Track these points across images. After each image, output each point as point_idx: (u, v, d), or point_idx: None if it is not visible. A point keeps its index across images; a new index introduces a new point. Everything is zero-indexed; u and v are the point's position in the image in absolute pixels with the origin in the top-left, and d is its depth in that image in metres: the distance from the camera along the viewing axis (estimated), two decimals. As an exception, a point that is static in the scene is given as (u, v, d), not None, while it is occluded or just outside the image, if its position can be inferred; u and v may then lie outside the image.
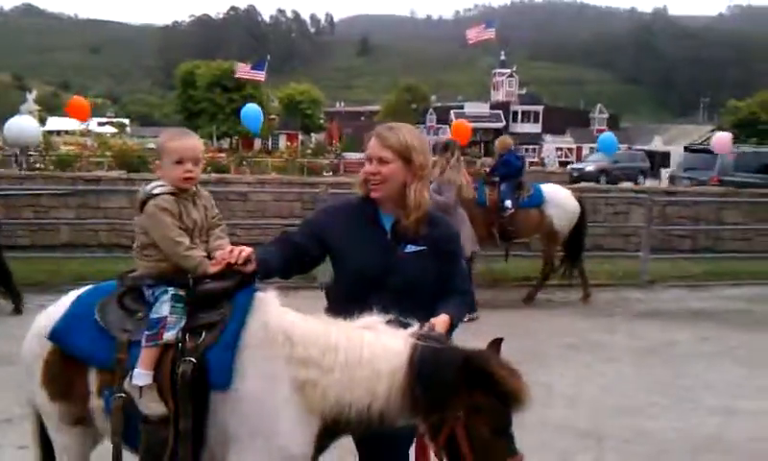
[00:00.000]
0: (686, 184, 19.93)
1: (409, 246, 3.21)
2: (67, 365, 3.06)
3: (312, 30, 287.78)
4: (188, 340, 2.91)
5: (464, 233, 8.54)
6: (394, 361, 2.75)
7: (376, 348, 2.79)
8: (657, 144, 69.28)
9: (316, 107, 73.46)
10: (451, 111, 73.08)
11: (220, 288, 2.97)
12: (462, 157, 9.39)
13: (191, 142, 3.19)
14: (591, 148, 53.31)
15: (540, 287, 10.66)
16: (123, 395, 2.92)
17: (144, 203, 3.08)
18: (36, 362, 3.14)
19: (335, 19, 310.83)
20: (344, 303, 3.09)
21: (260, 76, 33.77)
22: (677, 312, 10.38)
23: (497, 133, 73.30)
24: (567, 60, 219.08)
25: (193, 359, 2.85)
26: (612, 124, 76.72)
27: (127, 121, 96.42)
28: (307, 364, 2.81)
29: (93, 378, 3.02)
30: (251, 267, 2.95)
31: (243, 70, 34.89)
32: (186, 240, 3.05)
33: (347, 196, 3.61)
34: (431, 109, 75.39)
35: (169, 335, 2.91)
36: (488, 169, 11.09)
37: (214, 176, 16.45)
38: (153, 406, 2.88)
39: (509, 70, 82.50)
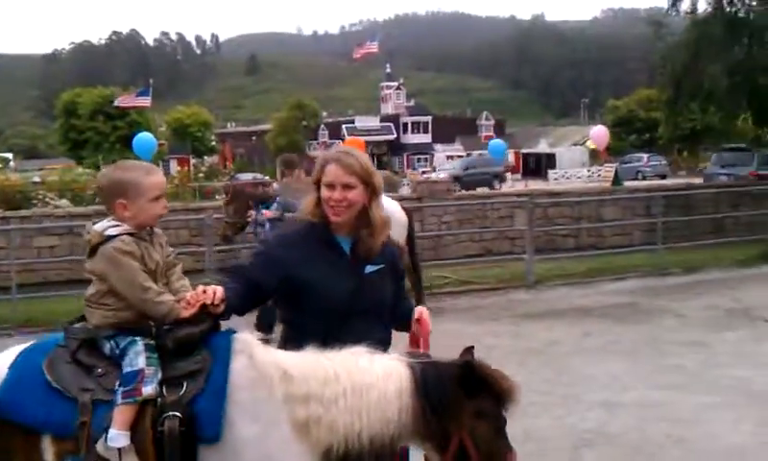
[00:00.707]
0: (724, 180, 20.81)
1: (368, 266, 3.20)
2: (9, 439, 2.70)
3: (198, 51, 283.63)
4: (167, 393, 2.66)
5: None
6: (397, 383, 2.70)
7: (376, 371, 2.73)
8: (542, 147, 71.60)
9: (206, 129, 72.35)
10: (343, 126, 73.38)
11: (197, 333, 2.76)
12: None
13: (162, 177, 3.00)
14: (481, 154, 54.43)
15: None
16: None
17: (97, 246, 2.79)
18: None
19: (221, 39, 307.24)
20: (309, 334, 2.93)
21: (146, 102, 33.10)
22: (561, 310, 10.66)
23: (390, 145, 74.28)
24: (453, 70, 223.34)
25: (178, 413, 2.61)
26: (499, 130, 78.66)
27: (10, 155, 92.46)
28: (308, 400, 2.66)
29: (48, 447, 2.67)
30: (222, 307, 2.78)
31: (126, 99, 34.12)
32: (154, 285, 2.79)
33: (291, 225, 3.47)
34: (322, 125, 75.40)
35: (148, 389, 2.64)
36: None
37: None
38: None
39: (396, 83, 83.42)
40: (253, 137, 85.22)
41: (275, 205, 8.71)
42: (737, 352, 8.04)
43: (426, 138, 75.05)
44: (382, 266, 3.24)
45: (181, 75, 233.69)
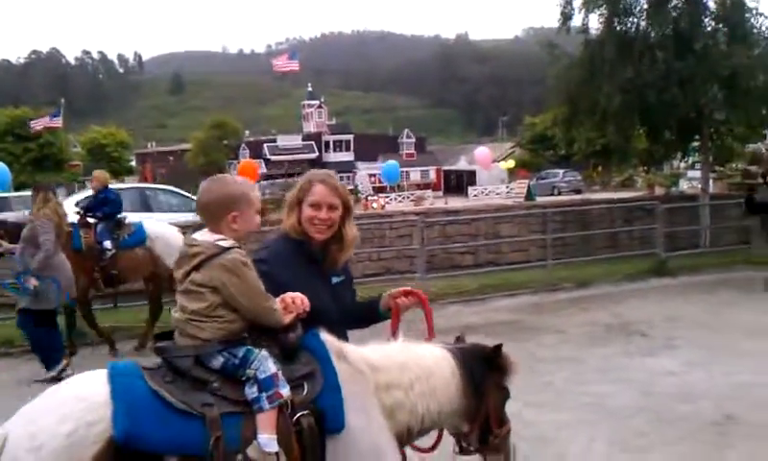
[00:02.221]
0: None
1: (334, 278, 3.43)
2: None
3: (120, 70, 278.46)
4: (293, 394, 2.79)
5: (63, 280, 8.29)
6: (449, 366, 3.15)
7: (430, 358, 3.14)
8: (463, 164, 72.26)
9: (124, 149, 70.81)
10: (264, 145, 72.83)
11: (298, 338, 2.94)
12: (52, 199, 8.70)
13: None
14: (407, 172, 54.76)
15: (151, 331, 9.59)
16: None
17: (210, 258, 2.79)
18: None
19: (145, 58, 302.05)
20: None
21: (57, 123, 32.49)
22: (449, 329, 10.56)
23: (311, 163, 73.95)
24: (379, 88, 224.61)
25: (308, 411, 2.78)
26: (420, 147, 79.23)
27: None
28: (390, 388, 2.98)
29: None
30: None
31: (40, 122, 33.35)
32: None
33: (269, 239, 3.51)
34: (243, 144, 74.64)
35: (285, 391, 2.76)
36: (81, 211, 10.27)
37: None
38: None
39: (318, 101, 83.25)
40: (171, 157, 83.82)
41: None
42: (605, 368, 8.11)
43: (349, 157, 75.02)
44: (344, 278, 3.49)
45: (104, 94, 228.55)
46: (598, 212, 17.37)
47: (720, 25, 16.90)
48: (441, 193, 63.03)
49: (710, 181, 19.51)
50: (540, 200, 26.17)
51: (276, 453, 2.67)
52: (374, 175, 65.64)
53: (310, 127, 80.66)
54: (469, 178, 65.18)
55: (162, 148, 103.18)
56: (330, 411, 2.80)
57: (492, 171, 57.36)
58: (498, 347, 3.28)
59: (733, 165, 22.63)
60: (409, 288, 3.67)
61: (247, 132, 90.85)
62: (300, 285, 3.08)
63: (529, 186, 32.54)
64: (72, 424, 2.52)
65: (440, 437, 3.40)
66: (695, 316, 10.71)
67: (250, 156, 67.81)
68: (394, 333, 3.48)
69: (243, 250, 2.87)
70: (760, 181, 13.55)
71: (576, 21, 17.81)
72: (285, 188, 29.20)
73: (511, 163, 53.14)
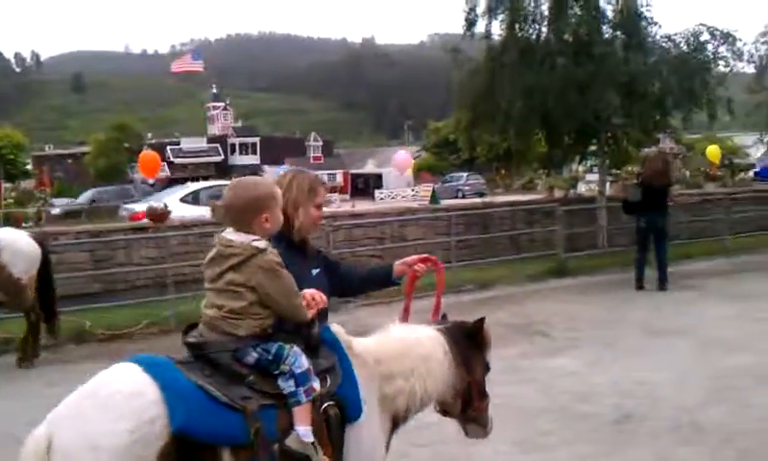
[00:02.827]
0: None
1: (314, 270, 3.60)
2: (192, 458, 2.68)
3: (17, 69, 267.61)
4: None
5: None
6: (442, 347, 3.40)
7: (426, 341, 3.39)
8: (370, 167, 72.53)
9: (20, 151, 67.94)
10: (167, 148, 71.23)
11: (319, 333, 3.13)
12: None
13: None
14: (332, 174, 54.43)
15: (33, 345, 9.19)
16: None
17: (247, 259, 2.89)
18: None
19: (44, 57, 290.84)
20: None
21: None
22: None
23: (216, 167, 72.80)
24: (286, 91, 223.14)
25: (333, 402, 2.99)
26: (327, 150, 79.12)
27: None
28: (391, 378, 3.22)
29: (228, 460, 2.74)
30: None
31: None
32: None
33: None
34: (146, 147, 72.75)
35: (317, 385, 2.94)
36: None
37: None
38: (324, 458, 2.89)
39: (223, 103, 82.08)
40: (69, 160, 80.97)
41: None
42: (508, 369, 8.14)
43: (255, 160, 74.21)
44: (320, 268, 3.65)
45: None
46: (500, 215, 17.62)
47: (617, 33, 17.41)
48: (348, 196, 63.03)
49: (607, 184, 20.04)
50: (444, 203, 26.40)
51: (313, 443, 2.86)
52: (281, 178, 65.13)
53: (215, 129, 79.58)
54: (376, 181, 65.47)
55: (61, 150, 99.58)
56: (350, 401, 3.04)
57: (398, 174, 57.67)
58: (481, 320, 3.62)
59: (629, 168, 23.33)
60: (426, 255, 4.04)
61: (149, 134, 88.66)
62: (298, 282, 3.10)
63: (434, 190, 32.74)
64: (132, 421, 2.57)
65: None
66: (594, 315, 10.95)
67: (152, 158, 66.23)
68: (408, 297, 4.00)
69: (275, 249, 2.98)
70: (635, 181, 13.95)
71: (480, 27, 18.04)
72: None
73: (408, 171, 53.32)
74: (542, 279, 14.21)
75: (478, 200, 29.60)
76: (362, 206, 34.41)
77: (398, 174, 20.85)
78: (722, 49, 17.42)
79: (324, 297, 3.18)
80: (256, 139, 77.90)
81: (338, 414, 2.99)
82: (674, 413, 6.40)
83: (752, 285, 12.64)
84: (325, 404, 2.97)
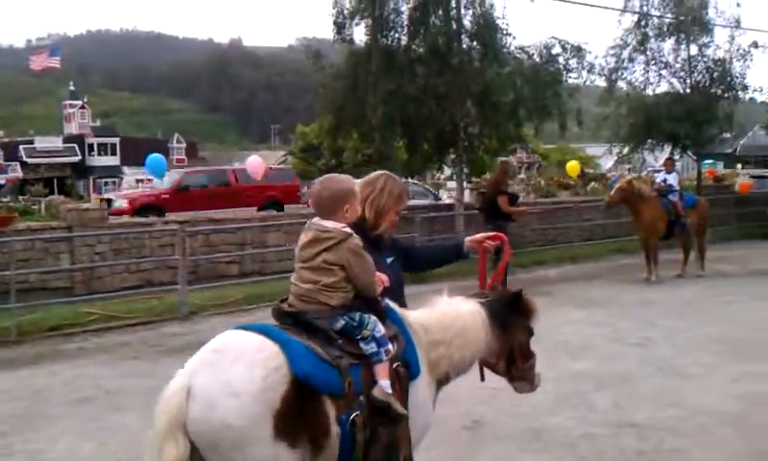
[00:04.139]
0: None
1: (388, 258, 4.14)
2: (311, 402, 3.15)
3: None
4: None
5: None
6: (480, 318, 3.87)
7: (465, 313, 3.86)
8: (235, 171, 71.35)
9: None
10: (20, 147, 67.65)
11: (386, 306, 3.65)
12: None
13: None
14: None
15: None
16: (358, 413, 3.27)
17: (339, 242, 3.39)
18: (260, 418, 3.00)
19: None
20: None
21: None
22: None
23: (74, 167, 69.75)
24: (150, 90, 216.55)
25: (399, 363, 3.49)
26: (191, 152, 77.35)
27: None
28: (437, 344, 3.73)
29: (330, 406, 3.20)
30: None
31: None
32: None
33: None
34: (-7, 146, 68.80)
35: (391, 347, 3.45)
36: None
37: None
38: (400, 407, 3.38)
39: (80, 101, 78.65)
40: None
41: None
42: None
43: (114, 161, 71.45)
44: (394, 257, 4.20)
45: None
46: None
47: (474, 43, 17.83)
48: (212, 200, 61.73)
49: (466, 192, 20.49)
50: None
51: (391, 393, 3.35)
52: (141, 180, 63.28)
53: (72, 128, 76.00)
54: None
55: None
56: (412, 363, 3.58)
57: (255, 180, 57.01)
58: (518, 293, 4.11)
59: (487, 176, 23.97)
60: (493, 233, 4.55)
61: (1, 132, 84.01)
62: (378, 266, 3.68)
63: (301, 195, 32.59)
64: (263, 370, 3.05)
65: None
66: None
67: (4, 158, 62.87)
68: (481, 268, 4.48)
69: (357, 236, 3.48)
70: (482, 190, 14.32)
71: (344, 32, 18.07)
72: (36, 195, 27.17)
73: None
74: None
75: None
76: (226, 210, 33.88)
77: (254, 179, 20.67)
78: (573, 62, 18.18)
79: (386, 278, 3.67)
80: (116, 140, 74.92)
81: (405, 372, 3.51)
82: (521, 419, 6.54)
83: (597, 292, 13.22)
84: (395, 364, 3.47)
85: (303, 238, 3.51)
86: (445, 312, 3.87)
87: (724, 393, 7.22)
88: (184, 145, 77.80)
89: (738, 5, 30.66)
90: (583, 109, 18.78)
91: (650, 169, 30.90)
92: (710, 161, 47.52)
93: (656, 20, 25.25)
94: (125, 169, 69.11)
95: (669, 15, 24.70)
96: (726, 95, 25.33)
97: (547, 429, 6.33)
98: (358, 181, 4.04)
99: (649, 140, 26.03)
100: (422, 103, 16.34)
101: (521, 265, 16.09)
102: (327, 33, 18.25)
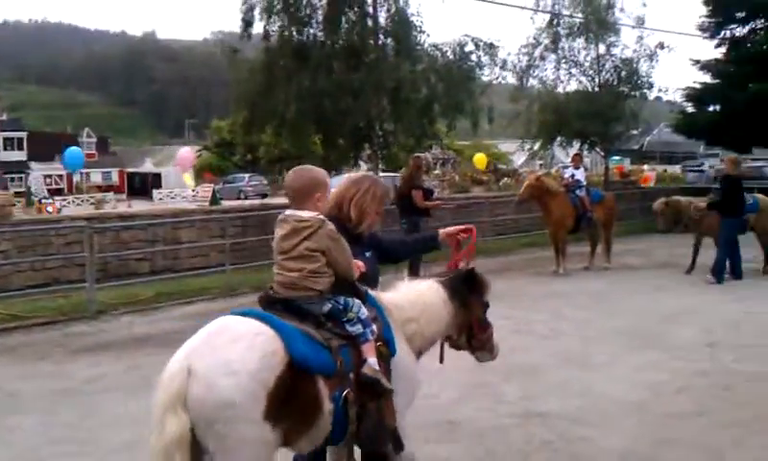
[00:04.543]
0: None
1: (366, 253, 4.31)
2: (306, 381, 3.36)
3: None
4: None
5: None
6: (441, 295, 4.20)
7: (428, 291, 4.20)
8: (148, 166, 70.01)
9: None
10: None
11: (365, 291, 3.88)
12: None
13: None
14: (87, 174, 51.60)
15: None
16: (350, 390, 3.52)
17: (317, 229, 3.58)
18: (254, 396, 3.16)
19: None
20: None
21: None
22: (118, 342, 10.05)
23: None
24: (60, 83, 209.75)
25: (381, 342, 3.74)
26: (102, 147, 75.37)
27: None
28: (410, 321, 4.05)
29: (322, 385, 3.42)
30: None
31: None
32: None
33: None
34: None
35: (375, 327, 3.72)
36: None
37: None
38: (387, 382, 3.64)
39: (-15, 94, 75.70)
40: None
41: None
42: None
43: (21, 156, 69.00)
44: (371, 251, 4.38)
45: None
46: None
47: (388, 40, 17.91)
48: (124, 196, 60.36)
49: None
50: (225, 204, 25.97)
51: (379, 370, 3.62)
52: (50, 176, 61.31)
53: (-23, 122, 73.04)
54: (155, 180, 63.25)
55: None
56: (390, 342, 3.84)
57: (179, 173, 56.15)
58: (471, 270, 4.42)
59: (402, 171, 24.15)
60: (464, 227, 4.82)
61: None
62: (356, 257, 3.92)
63: (214, 191, 32.17)
64: (260, 352, 3.23)
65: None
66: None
67: None
68: (456, 259, 4.68)
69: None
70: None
71: (258, 28, 17.91)
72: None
73: (191, 183, 51.96)
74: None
75: (257, 201, 29.41)
76: (139, 206, 33.17)
77: (181, 171, 20.38)
78: (485, 59, 18.46)
79: (362, 264, 3.92)
80: (23, 134, 72.37)
81: (386, 351, 3.77)
82: (433, 411, 6.55)
83: (507, 285, 13.39)
84: (378, 344, 3.71)
85: (281, 231, 3.68)
86: (409, 293, 4.18)
87: (628, 382, 7.43)
88: (95, 140, 75.69)
89: (644, 5, 31.57)
90: (495, 106, 19.07)
91: (560, 165, 31.68)
92: (618, 158, 49.05)
93: (567, 19, 25.84)
94: (32, 164, 66.89)
95: (579, 15, 25.31)
96: (633, 94, 26.13)
97: (458, 421, 6.41)
98: (343, 178, 4.50)
99: (559, 137, 26.66)
100: (338, 98, 16.33)
101: (435, 260, 16.24)
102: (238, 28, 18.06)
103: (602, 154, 28.64)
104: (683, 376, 7.62)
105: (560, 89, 26.94)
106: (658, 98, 30.73)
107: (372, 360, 3.62)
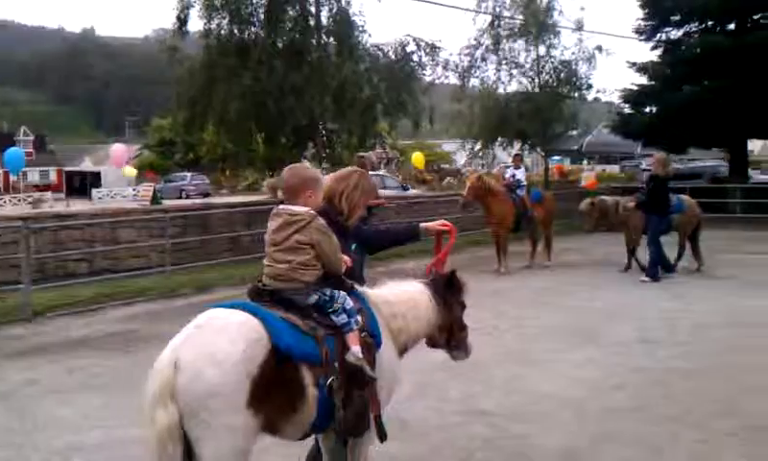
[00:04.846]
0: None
1: (353, 245, 4.54)
2: (291, 370, 3.51)
3: None
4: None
5: None
6: (426, 296, 4.39)
7: (414, 291, 4.40)
8: (87, 164, 68.64)
9: None
10: None
11: (351, 284, 4.07)
12: None
13: None
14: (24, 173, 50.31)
15: None
16: (335, 378, 3.68)
17: (308, 223, 3.77)
18: (238, 385, 3.27)
19: None
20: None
21: None
22: (55, 344, 9.86)
23: None
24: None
25: (366, 333, 3.91)
26: (40, 146, 73.66)
27: None
28: (396, 317, 4.20)
29: (306, 373, 3.56)
30: None
31: None
32: None
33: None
34: None
35: (359, 318, 3.90)
36: None
37: None
38: (370, 370, 3.83)
39: None
40: None
41: None
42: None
43: (-46, 154, 67.12)
44: (357, 244, 4.61)
45: None
46: (220, 216, 17.38)
47: (331, 39, 17.89)
48: (63, 195, 59.06)
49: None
50: (166, 203, 25.67)
51: (362, 358, 3.79)
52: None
53: None
54: (94, 179, 62.05)
55: None
56: (376, 334, 4.00)
57: (119, 172, 55.13)
58: (452, 272, 4.64)
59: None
60: (443, 222, 5.01)
61: None
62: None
63: (155, 190, 31.72)
64: (244, 342, 3.35)
65: None
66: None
67: None
68: (437, 252, 4.91)
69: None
70: None
71: (198, 26, 17.71)
72: None
73: (132, 172, 51.13)
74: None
75: (199, 201, 29.09)
76: (78, 205, 32.50)
77: (115, 168, 19.95)
78: (427, 60, 18.57)
79: (348, 259, 4.08)
80: (-46, 133, 70.50)
81: (371, 342, 3.92)
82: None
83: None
84: (363, 334, 3.88)
85: (273, 224, 3.87)
86: (397, 291, 4.37)
87: (567, 379, 7.56)
88: (32, 138, 73.88)
89: (582, 9, 32.07)
90: (437, 105, 19.20)
91: (501, 165, 32.03)
92: (558, 158, 49.80)
93: (508, 21, 26.15)
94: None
95: (520, 17, 25.64)
96: (572, 95, 26.57)
97: (407, 419, 6.43)
98: (329, 175, 4.72)
99: (500, 137, 26.96)
100: (280, 98, 16.24)
101: (378, 258, 16.25)
102: (191, 25, 17.83)
103: (542, 154, 29.05)
104: (620, 372, 7.78)
105: (501, 90, 27.28)
106: (596, 99, 31.29)
107: (356, 349, 3.79)
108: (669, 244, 14.23)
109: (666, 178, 13.99)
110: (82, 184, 63.33)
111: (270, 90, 16.23)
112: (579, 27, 26.45)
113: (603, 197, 15.53)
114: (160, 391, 3.23)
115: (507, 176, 16.61)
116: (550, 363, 8.25)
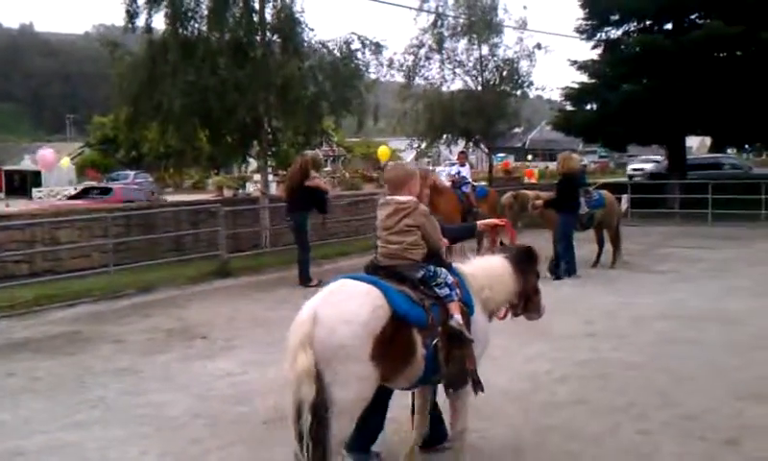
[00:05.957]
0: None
1: None
2: (406, 331, 4.29)
3: None
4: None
5: None
6: (508, 268, 5.12)
7: (498, 264, 5.12)
8: (27, 164, 66.95)
9: None
10: None
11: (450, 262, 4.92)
12: None
13: None
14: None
15: None
16: (438, 340, 4.43)
17: (414, 209, 4.64)
18: (364, 341, 4.05)
19: None
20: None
21: None
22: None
23: None
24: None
25: (462, 303, 4.65)
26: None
27: None
28: (483, 289, 4.92)
29: (417, 335, 4.36)
30: None
31: None
32: None
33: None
34: None
35: (458, 290, 4.66)
36: None
37: None
38: (468, 334, 4.56)
39: None
40: None
41: None
42: (163, 376, 7.95)
43: None
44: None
45: None
46: (164, 216, 17.19)
47: (275, 36, 17.80)
48: (2, 195, 57.58)
49: (273, 185, 20.44)
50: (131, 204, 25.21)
51: (462, 324, 4.51)
52: None
53: None
54: (34, 178, 60.61)
55: None
56: (470, 303, 4.74)
57: (60, 171, 53.95)
58: (529, 248, 5.44)
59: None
60: (497, 220, 5.91)
61: None
62: None
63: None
64: (370, 306, 4.13)
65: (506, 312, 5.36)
66: (254, 315, 11.04)
67: None
68: (494, 243, 6.01)
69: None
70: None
71: (141, 21, 17.44)
72: None
73: (66, 161, 50.11)
74: (205, 280, 14.10)
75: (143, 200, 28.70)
76: (18, 205, 31.79)
77: (46, 172, 19.60)
78: (371, 57, 18.61)
79: (447, 240, 4.97)
80: None
81: (465, 310, 4.63)
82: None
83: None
84: (460, 304, 4.58)
85: (384, 211, 4.72)
86: (483, 265, 5.09)
87: (516, 373, 7.65)
88: (-33, 137, 71.94)
89: (525, 7, 32.44)
90: (383, 103, 19.25)
91: (447, 162, 32.28)
92: (503, 155, 50.35)
93: (451, 20, 26.34)
94: None
95: (463, 16, 25.84)
96: (514, 92, 26.90)
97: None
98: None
99: (445, 135, 27.16)
100: (224, 95, 16.11)
101: (326, 256, 16.29)
102: (122, 21, 17.51)
103: (486, 151, 29.35)
104: (563, 365, 7.93)
105: (445, 88, 27.48)
106: (539, 97, 31.76)
107: (458, 316, 4.50)
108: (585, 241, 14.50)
109: (573, 176, 14.10)
110: (22, 184, 61.76)
111: (213, 87, 16.07)
112: (522, 26, 26.80)
113: (524, 191, 15.85)
114: (301, 339, 3.95)
115: (452, 173, 16.73)
116: (502, 358, 8.14)
